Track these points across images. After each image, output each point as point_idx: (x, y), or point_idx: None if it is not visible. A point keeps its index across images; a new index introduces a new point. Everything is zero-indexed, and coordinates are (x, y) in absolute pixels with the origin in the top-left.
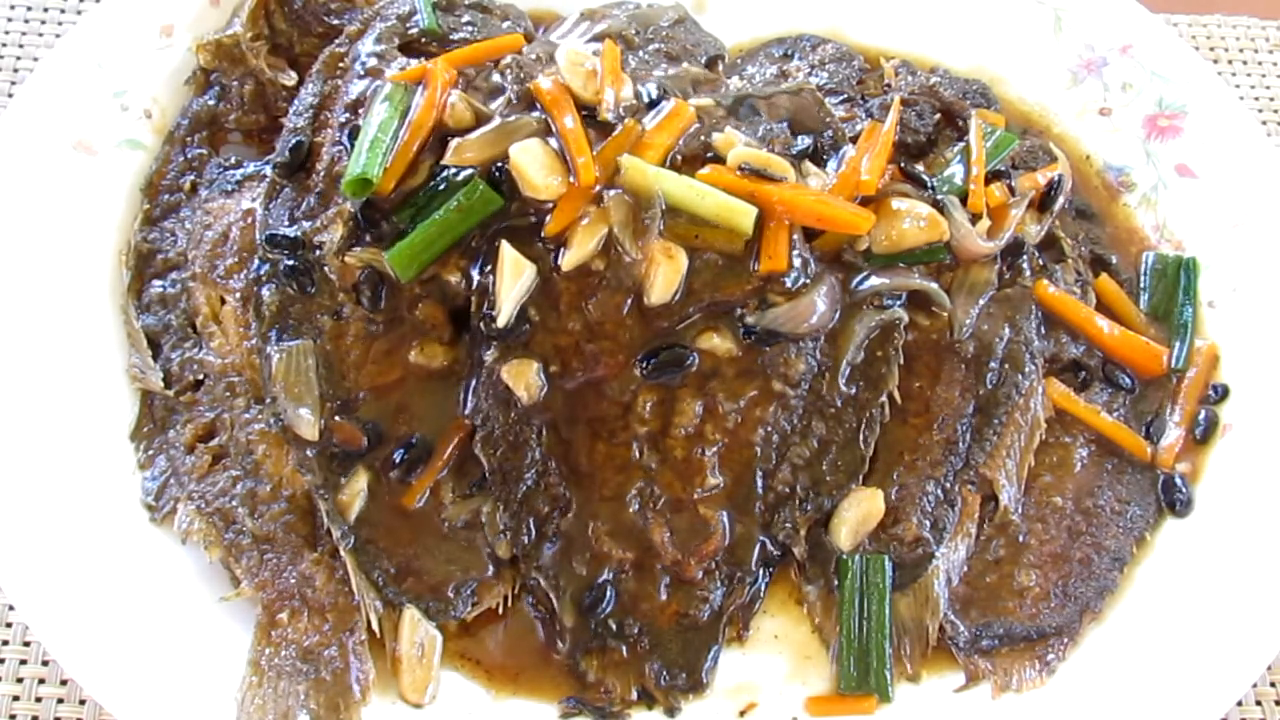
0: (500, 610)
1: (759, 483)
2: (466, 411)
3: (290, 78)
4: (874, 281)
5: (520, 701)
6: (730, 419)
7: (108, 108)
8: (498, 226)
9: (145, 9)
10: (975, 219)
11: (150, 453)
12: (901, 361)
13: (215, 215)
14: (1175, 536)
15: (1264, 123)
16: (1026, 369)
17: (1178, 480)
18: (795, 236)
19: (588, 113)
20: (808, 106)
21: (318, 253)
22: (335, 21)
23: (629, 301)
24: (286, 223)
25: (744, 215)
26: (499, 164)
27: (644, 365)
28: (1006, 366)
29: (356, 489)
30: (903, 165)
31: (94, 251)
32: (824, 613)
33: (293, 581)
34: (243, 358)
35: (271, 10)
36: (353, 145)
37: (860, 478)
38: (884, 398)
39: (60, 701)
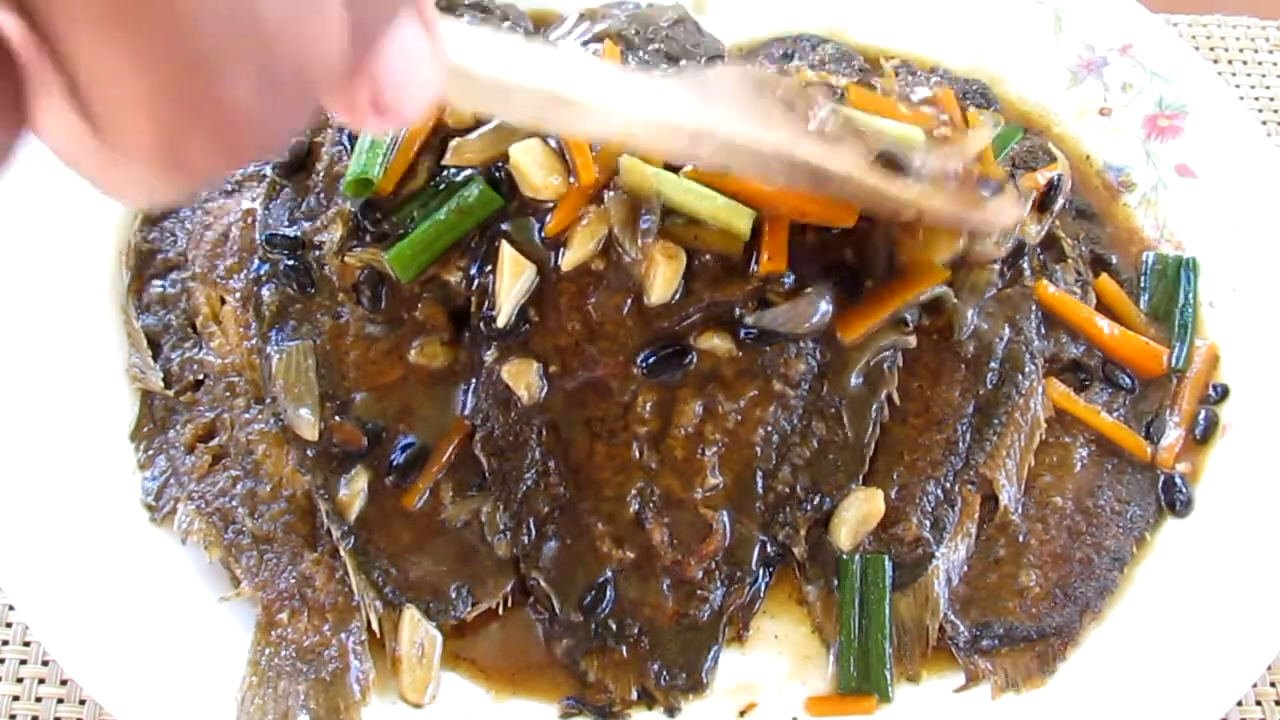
0: (500, 610)
1: (759, 483)
2: (466, 411)
3: None
4: None
5: (520, 701)
6: (730, 419)
7: None
8: (498, 226)
9: None
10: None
11: (150, 453)
12: (901, 363)
13: (215, 215)
14: (1175, 536)
15: (1264, 123)
16: (1026, 369)
17: (1178, 480)
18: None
19: None
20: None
21: (318, 253)
22: None
23: (629, 301)
24: (286, 223)
25: (742, 217)
26: (499, 164)
27: (643, 364)
28: (1007, 366)
29: (356, 489)
30: None
31: (94, 251)
32: (824, 613)
33: (293, 581)
34: (243, 358)
35: None
36: (353, 145)
37: (860, 478)
38: (883, 398)
39: (60, 701)
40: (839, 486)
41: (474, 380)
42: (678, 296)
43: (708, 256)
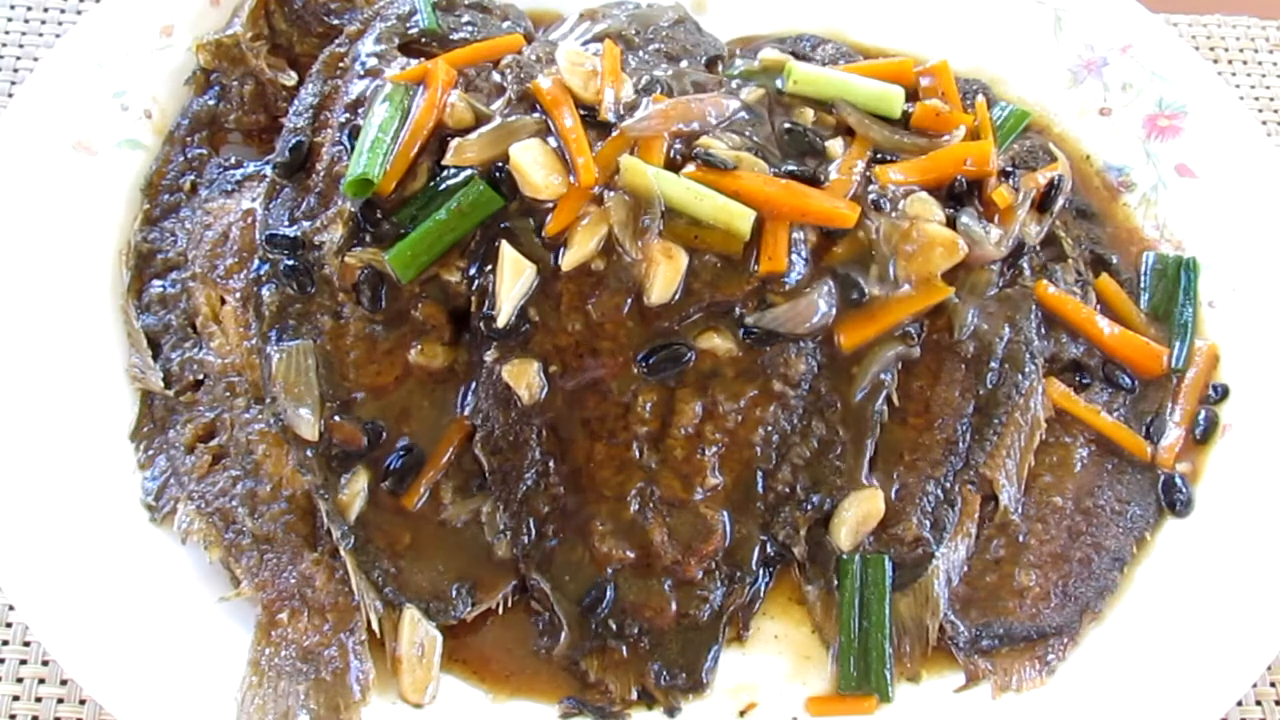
0: (500, 610)
1: (759, 483)
2: (466, 412)
3: (290, 78)
4: None
5: (520, 701)
6: (730, 419)
7: (108, 108)
8: (498, 226)
9: (145, 9)
10: (988, 210)
11: (150, 453)
12: (901, 364)
13: (215, 215)
14: (1175, 536)
15: (1264, 123)
16: (1026, 369)
17: (1178, 480)
18: (795, 237)
19: (588, 113)
20: None
21: (318, 253)
22: (335, 21)
23: (629, 301)
24: (286, 223)
25: (742, 218)
26: (499, 164)
27: (643, 363)
28: (1006, 366)
29: (356, 489)
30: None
31: (94, 251)
32: (824, 613)
33: (293, 581)
34: (243, 358)
35: (271, 10)
36: (353, 145)
37: (860, 478)
38: (883, 398)
39: (60, 701)
40: (839, 486)
41: (474, 380)
42: (678, 296)
43: (708, 256)
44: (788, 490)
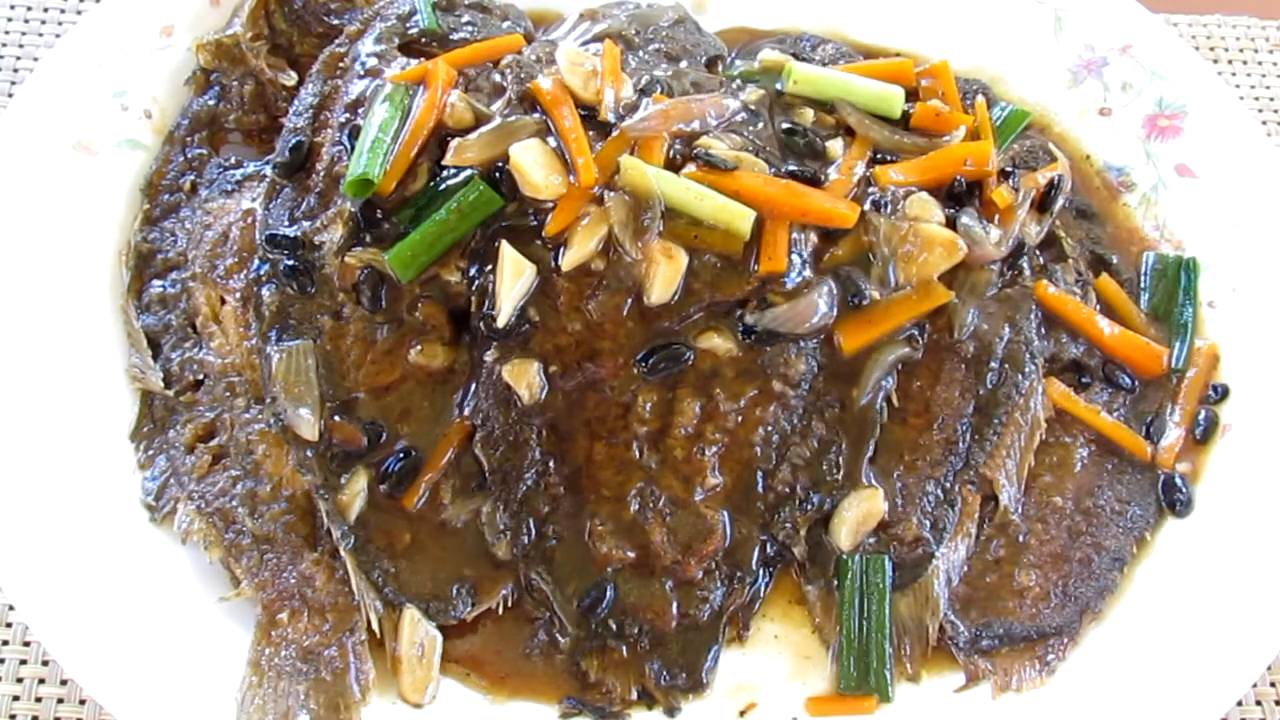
0: (500, 610)
1: (759, 483)
2: (466, 412)
3: (290, 78)
4: None
5: (520, 701)
6: (730, 419)
7: (108, 108)
8: (498, 226)
9: (145, 9)
10: (988, 210)
11: (150, 453)
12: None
13: (215, 215)
14: (1175, 536)
15: (1264, 123)
16: (1026, 369)
17: (1178, 480)
18: (795, 237)
19: (588, 113)
20: None
21: (318, 253)
22: (335, 21)
23: (629, 301)
24: (286, 223)
25: (742, 218)
26: (499, 164)
27: (643, 363)
28: (1006, 366)
29: (356, 489)
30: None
31: (94, 251)
32: (824, 613)
33: (293, 581)
34: (243, 358)
35: (271, 10)
36: (353, 145)
37: (860, 478)
38: (883, 399)
39: (60, 701)
40: (839, 486)
41: (474, 380)
42: (678, 296)
43: (708, 256)
44: (788, 490)
